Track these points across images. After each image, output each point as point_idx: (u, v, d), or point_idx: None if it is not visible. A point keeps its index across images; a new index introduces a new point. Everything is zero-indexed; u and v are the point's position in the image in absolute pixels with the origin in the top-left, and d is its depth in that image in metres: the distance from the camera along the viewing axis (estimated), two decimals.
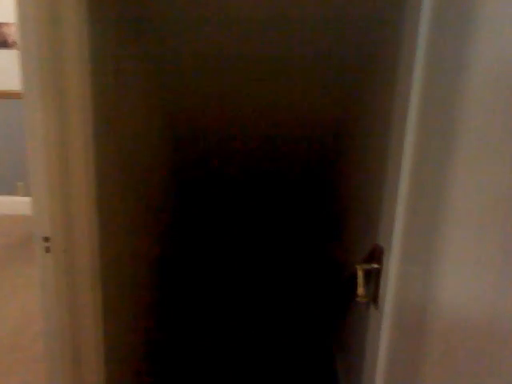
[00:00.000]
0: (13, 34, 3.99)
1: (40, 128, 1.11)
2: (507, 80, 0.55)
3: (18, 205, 4.32)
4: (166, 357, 2.37)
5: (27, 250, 1.13)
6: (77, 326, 1.24)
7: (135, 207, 1.76)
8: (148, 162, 1.99)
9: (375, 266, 0.96)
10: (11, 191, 4.33)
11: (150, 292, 1.98)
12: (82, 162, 1.17)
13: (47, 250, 1.21)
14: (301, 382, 2.32)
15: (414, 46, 0.82)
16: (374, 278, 0.97)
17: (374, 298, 0.98)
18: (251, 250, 3.13)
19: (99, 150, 1.28)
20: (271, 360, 2.48)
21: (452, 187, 0.68)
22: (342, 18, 1.62)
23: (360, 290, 0.93)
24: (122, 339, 1.54)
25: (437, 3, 0.77)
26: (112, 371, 1.37)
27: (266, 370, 2.40)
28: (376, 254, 0.97)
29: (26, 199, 4.18)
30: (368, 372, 1.06)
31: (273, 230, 3.11)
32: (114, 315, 1.41)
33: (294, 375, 2.37)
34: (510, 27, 0.56)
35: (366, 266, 0.96)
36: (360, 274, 0.94)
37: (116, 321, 1.43)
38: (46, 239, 1.21)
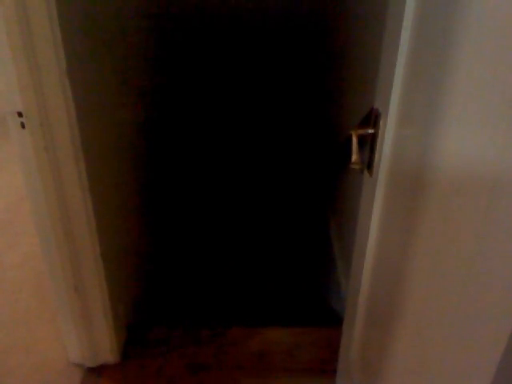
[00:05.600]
0: None
1: None
2: None
3: None
4: (159, 222, 2.43)
5: (3, 127, 1.08)
6: (64, 201, 1.21)
7: (115, 70, 1.64)
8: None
9: (370, 131, 0.90)
10: None
11: (138, 156, 1.93)
12: (45, 24, 1.04)
13: (22, 125, 1.14)
14: (295, 246, 2.41)
15: None
16: (368, 144, 0.91)
17: (369, 164, 0.94)
18: (247, 106, 3.07)
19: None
20: (266, 223, 2.54)
21: (458, 37, 0.59)
22: None
23: (354, 157, 0.88)
24: (112, 210, 1.54)
25: None
26: (106, 242, 1.38)
27: (262, 233, 2.47)
28: (372, 118, 0.91)
29: None
30: (361, 237, 1.06)
31: (267, 86, 3.03)
32: (101, 187, 1.38)
33: (288, 239, 2.45)
34: None
35: (361, 131, 0.90)
36: (354, 139, 0.88)
37: (104, 193, 1.41)
38: (20, 114, 1.13)
